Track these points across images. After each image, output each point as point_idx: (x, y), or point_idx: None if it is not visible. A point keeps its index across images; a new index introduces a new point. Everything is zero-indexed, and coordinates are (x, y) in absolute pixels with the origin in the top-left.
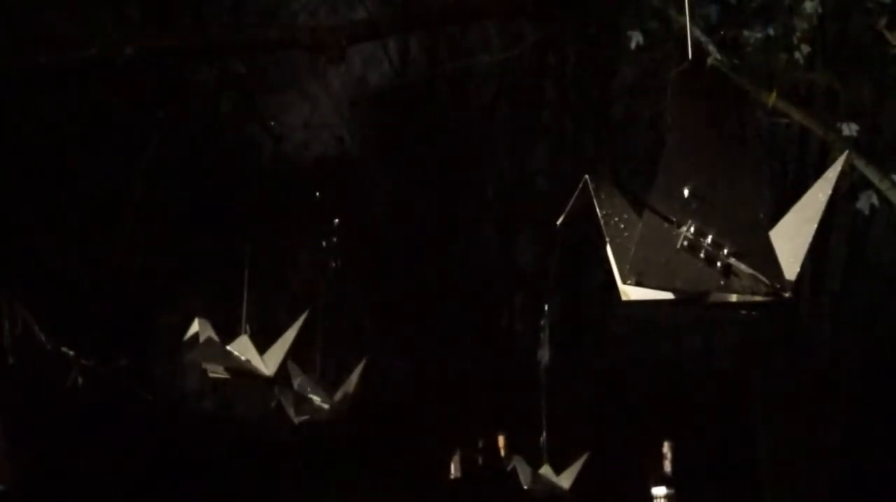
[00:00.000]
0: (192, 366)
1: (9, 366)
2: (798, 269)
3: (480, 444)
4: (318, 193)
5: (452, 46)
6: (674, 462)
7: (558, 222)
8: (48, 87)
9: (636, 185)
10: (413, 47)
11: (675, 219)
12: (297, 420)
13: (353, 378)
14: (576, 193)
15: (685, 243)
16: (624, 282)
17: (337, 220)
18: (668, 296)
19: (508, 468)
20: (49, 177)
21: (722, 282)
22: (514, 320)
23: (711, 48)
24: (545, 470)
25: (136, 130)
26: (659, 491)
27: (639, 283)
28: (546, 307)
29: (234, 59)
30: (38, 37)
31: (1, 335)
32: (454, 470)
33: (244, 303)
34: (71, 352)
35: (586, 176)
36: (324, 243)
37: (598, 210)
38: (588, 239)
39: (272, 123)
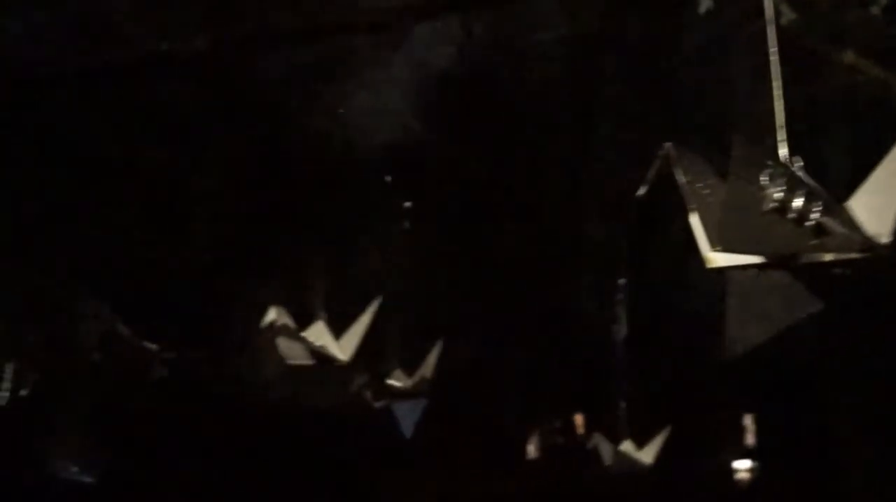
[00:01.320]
0: (269, 353)
1: (94, 362)
2: (893, 222)
3: (557, 424)
4: (387, 178)
5: (515, 23)
6: (756, 434)
7: (639, 192)
8: (116, 86)
9: (712, 153)
10: (475, 26)
11: (761, 181)
12: (375, 405)
13: (430, 361)
14: (656, 161)
15: (773, 205)
16: (711, 249)
17: (408, 204)
18: (756, 260)
19: (589, 446)
20: (121, 176)
21: (814, 242)
22: (587, 297)
23: (784, 9)
24: (626, 447)
25: (204, 125)
26: (741, 464)
27: (727, 249)
28: (622, 282)
29: (299, 50)
30: (104, 35)
31: (86, 333)
32: (532, 450)
33: (319, 290)
34: (153, 347)
35: (667, 143)
36: (394, 227)
37: (679, 176)
38: (662, 209)
39: (340, 111)
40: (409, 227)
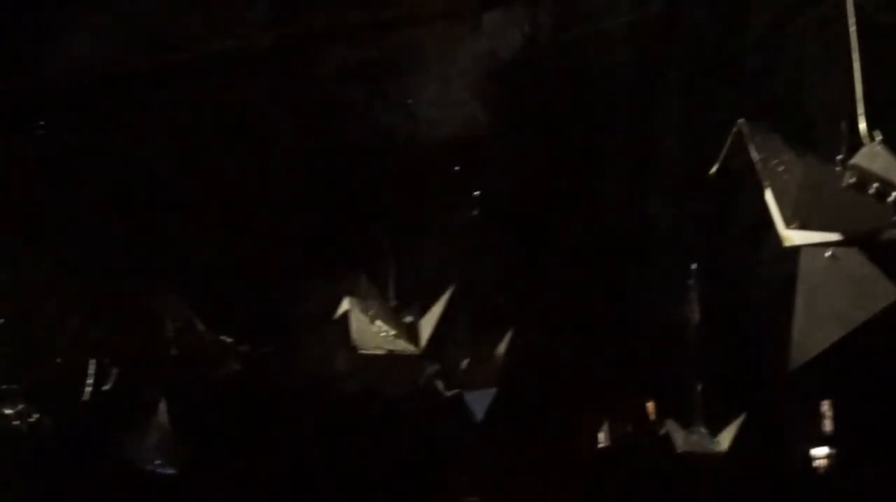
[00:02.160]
0: (342, 344)
1: (172, 356)
2: None
3: (628, 411)
4: (455, 168)
5: (580, 10)
6: (834, 421)
7: (711, 171)
8: (182, 87)
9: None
10: (541, 14)
11: (839, 158)
12: (447, 394)
13: (501, 350)
14: (729, 139)
15: (852, 181)
16: (787, 227)
17: (476, 193)
18: (834, 237)
19: (661, 432)
20: (191, 174)
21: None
22: (656, 283)
23: None
24: (700, 433)
25: (272, 122)
26: (819, 451)
27: (803, 226)
28: (693, 266)
29: (364, 44)
30: (169, 36)
31: (164, 328)
32: (603, 438)
33: (390, 281)
34: (228, 340)
35: (740, 120)
36: (462, 217)
37: (753, 154)
38: (733, 189)
39: (409, 101)
40: (478, 217)
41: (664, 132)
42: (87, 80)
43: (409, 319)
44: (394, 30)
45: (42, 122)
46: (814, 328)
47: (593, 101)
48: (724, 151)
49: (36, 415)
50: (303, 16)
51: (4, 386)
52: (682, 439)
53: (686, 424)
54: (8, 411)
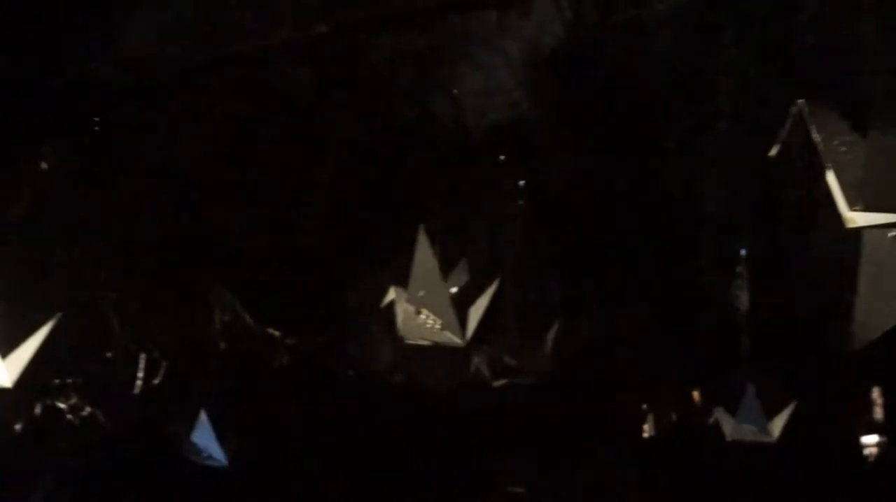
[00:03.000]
0: (388, 335)
1: (220, 350)
2: None
3: (675, 400)
4: (501, 157)
5: None
6: (885, 408)
7: (772, 152)
8: (235, 77)
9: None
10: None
11: None
12: (494, 384)
13: (548, 340)
14: (788, 120)
15: None
16: (850, 209)
17: (522, 182)
18: None
19: (710, 420)
20: (241, 165)
21: None
22: (706, 270)
23: None
24: (749, 422)
25: (319, 111)
26: (869, 439)
27: (867, 208)
28: (743, 251)
29: (411, 32)
30: (222, 29)
31: (212, 322)
32: (649, 428)
33: (438, 271)
34: (276, 333)
35: (800, 100)
36: (509, 206)
37: (814, 135)
38: (788, 171)
39: (455, 91)
40: (525, 206)
41: (715, 115)
42: (139, 75)
43: (455, 309)
44: (440, 18)
45: (97, 119)
46: (878, 309)
47: (641, 85)
48: (785, 132)
49: (88, 409)
50: (356, 3)
51: (58, 381)
52: (731, 427)
53: (735, 412)
54: (61, 405)
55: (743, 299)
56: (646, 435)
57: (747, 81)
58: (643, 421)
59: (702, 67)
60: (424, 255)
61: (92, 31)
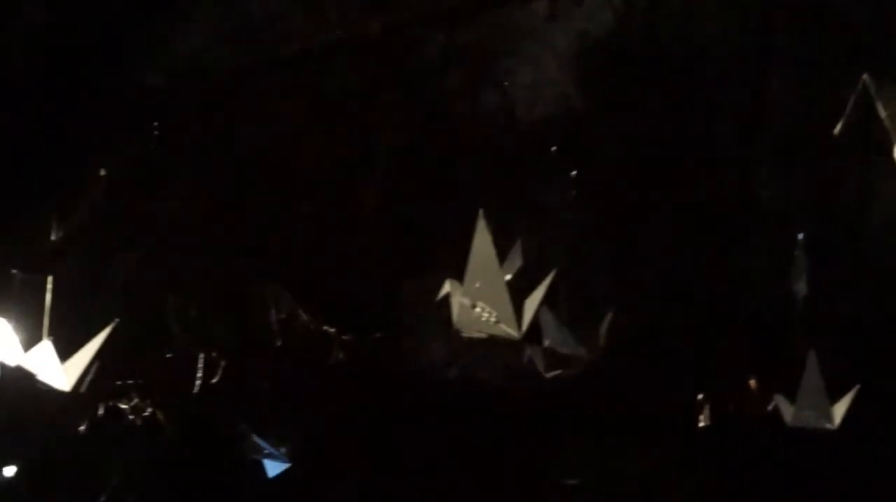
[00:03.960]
0: (443, 328)
1: (277, 349)
2: None
3: (732, 388)
4: (553, 148)
5: None
6: None
7: (835, 130)
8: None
9: None
10: None
11: None
12: (548, 375)
13: (602, 331)
14: (853, 97)
15: None
16: None
17: (574, 173)
18: None
19: (769, 407)
20: (297, 165)
21: None
22: (759, 257)
23: None
24: (811, 407)
25: (372, 110)
26: None
27: None
28: (800, 236)
29: (461, 28)
30: (272, 33)
31: (269, 321)
32: (704, 418)
33: (493, 264)
34: (332, 330)
35: (864, 76)
36: (561, 198)
37: (880, 111)
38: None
39: (506, 83)
40: (577, 196)
41: (768, 100)
42: (192, 83)
43: (510, 301)
44: (489, 13)
45: (156, 123)
46: None
47: (692, 74)
48: (849, 108)
49: (149, 410)
50: (406, 1)
51: (119, 383)
52: (791, 414)
53: (795, 400)
54: (123, 406)
55: (801, 284)
56: (701, 424)
57: (804, 61)
58: (699, 410)
59: (756, 49)
60: (480, 248)
61: (146, 41)
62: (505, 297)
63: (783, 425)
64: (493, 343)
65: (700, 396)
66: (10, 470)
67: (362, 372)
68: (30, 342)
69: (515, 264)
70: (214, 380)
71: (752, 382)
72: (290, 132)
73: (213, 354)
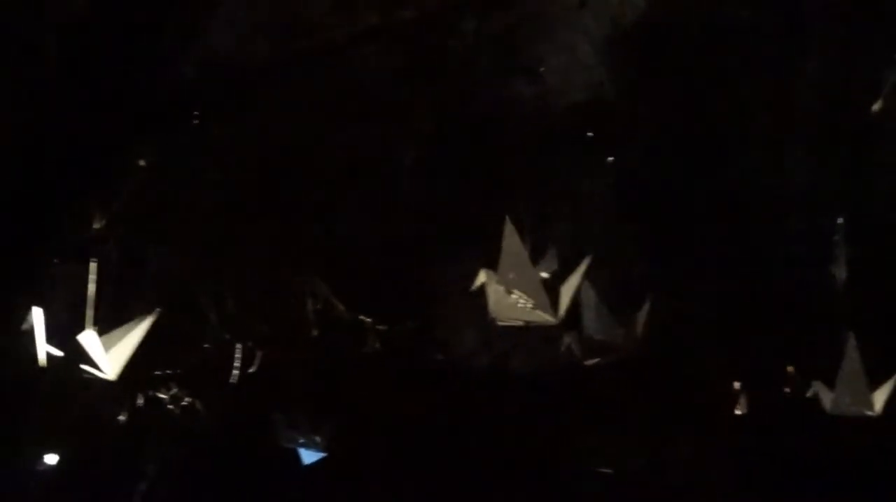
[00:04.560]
0: (478, 317)
1: (313, 337)
2: None
3: (770, 375)
4: (589, 134)
5: None
6: None
7: (875, 107)
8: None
9: None
10: None
11: None
12: (585, 363)
13: (640, 318)
14: (889, 79)
15: None
16: None
17: (610, 159)
18: None
19: (808, 394)
20: (330, 154)
21: None
22: (797, 242)
23: None
24: (849, 395)
25: (406, 96)
26: None
27: None
28: (839, 220)
29: (494, 14)
30: (303, 23)
31: (304, 310)
32: (740, 406)
33: (527, 251)
34: (367, 320)
35: None
36: (597, 184)
37: None
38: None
39: (541, 70)
40: (612, 182)
41: (803, 82)
42: (229, 71)
43: (546, 289)
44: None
45: (196, 113)
46: None
47: (725, 56)
48: (886, 89)
49: (188, 400)
50: None
51: (158, 373)
52: (831, 401)
53: (835, 386)
54: (162, 396)
55: (840, 269)
56: (738, 412)
57: (840, 42)
58: (736, 398)
59: (790, 31)
60: (513, 237)
61: (178, 34)
62: (539, 287)
63: (822, 412)
64: (529, 330)
65: (737, 384)
66: (52, 459)
67: (397, 361)
68: (73, 331)
69: (552, 258)
70: (251, 370)
71: (791, 369)
72: (323, 122)
73: (250, 344)
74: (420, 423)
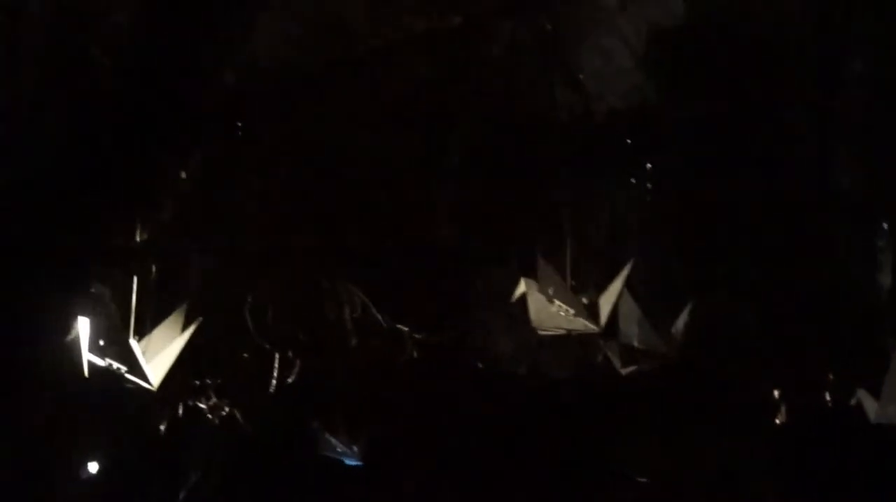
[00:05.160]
0: (519, 325)
1: (351, 346)
2: None
3: (812, 383)
4: (628, 140)
5: None
6: None
7: None
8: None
9: None
10: None
11: None
12: (623, 371)
13: (680, 324)
14: None
15: None
16: None
17: (649, 165)
18: None
19: (852, 403)
20: (370, 162)
21: None
22: (841, 247)
23: None
24: (895, 404)
25: (446, 104)
26: None
27: None
28: (884, 226)
29: (529, 19)
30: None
31: (343, 318)
32: (781, 414)
33: (567, 259)
34: (405, 328)
35: None
36: (636, 189)
37: None
38: None
39: (580, 75)
40: (652, 188)
41: (847, 84)
42: (271, 78)
43: (587, 297)
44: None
45: (240, 123)
46: None
47: (767, 60)
48: None
49: (227, 409)
50: None
51: (198, 382)
52: (875, 411)
53: (880, 395)
54: (202, 405)
55: (885, 275)
56: (779, 420)
57: (884, 43)
58: (776, 406)
59: (833, 31)
60: (556, 243)
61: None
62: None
63: (866, 421)
64: (567, 339)
65: (777, 392)
66: (93, 468)
67: (435, 369)
68: (116, 341)
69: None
70: (290, 380)
71: (830, 376)
72: (361, 129)
73: (289, 354)
74: (458, 431)
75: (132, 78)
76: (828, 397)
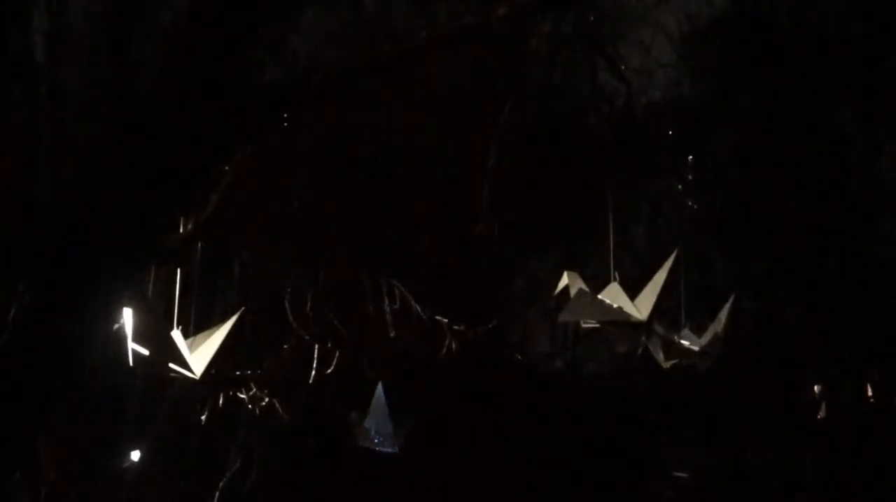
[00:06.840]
0: (555, 317)
1: (390, 338)
2: None
3: (854, 379)
4: (670, 132)
5: None
6: None
7: None
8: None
9: None
10: None
11: None
12: (666, 365)
13: (722, 318)
14: None
15: None
16: None
17: (690, 157)
18: None
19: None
20: (407, 158)
21: None
22: (885, 243)
23: None
24: None
25: (485, 100)
26: None
27: None
28: None
29: (569, 13)
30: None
31: (382, 312)
32: (822, 410)
33: (610, 251)
34: (444, 320)
35: None
36: (679, 185)
37: None
38: None
39: (623, 68)
40: (693, 181)
41: (892, 79)
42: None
43: (630, 289)
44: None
45: (286, 115)
46: None
47: (810, 54)
48: None
49: (267, 399)
50: None
51: (238, 373)
52: None
53: None
54: (242, 396)
55: None
56: (820, 416)
57: None
58: (818, 402)
59: (878, 25)
60: (594, 239)
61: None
62: (620, 290)
63: None
64: (606, 333)
65: (818, 387)
66: (136, 455)
67: (474, 361)
68: (160, 331)
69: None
70: (329, 371)
71: (875, 374)
72: (403, 125)
73: (329, 345)
74: (496, 423)
75: (179, 75)
76: (870, 393)
